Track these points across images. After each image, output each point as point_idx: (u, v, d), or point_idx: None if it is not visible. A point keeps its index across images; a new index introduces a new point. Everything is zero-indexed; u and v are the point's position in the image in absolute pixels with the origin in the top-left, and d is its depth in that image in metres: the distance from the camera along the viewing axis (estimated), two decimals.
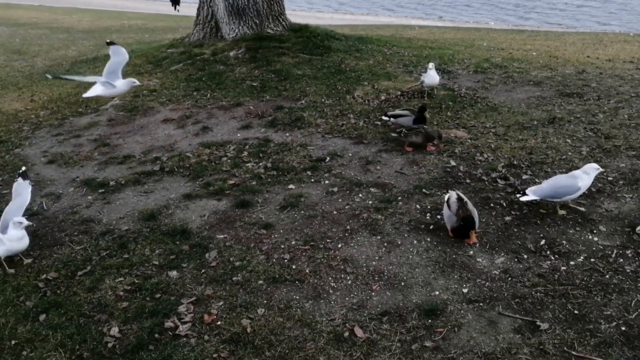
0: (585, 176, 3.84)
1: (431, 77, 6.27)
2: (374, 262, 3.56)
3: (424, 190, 4.39)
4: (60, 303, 3.28)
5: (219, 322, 3.09)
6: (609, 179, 4.40)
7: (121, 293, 3.36)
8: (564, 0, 19.29)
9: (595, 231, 3.76)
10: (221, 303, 3.25)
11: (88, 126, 6.30)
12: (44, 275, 3.55)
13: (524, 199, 3.92)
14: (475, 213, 3.69)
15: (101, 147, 5.66)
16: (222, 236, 3.93)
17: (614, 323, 2.95)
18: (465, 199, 3.77)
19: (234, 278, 3.46)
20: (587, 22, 15.97)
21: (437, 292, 3.27)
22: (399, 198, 4.28)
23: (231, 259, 3.66)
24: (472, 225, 3.62)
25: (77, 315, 3.19)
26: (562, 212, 3.97)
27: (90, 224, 4.18)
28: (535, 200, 3.92)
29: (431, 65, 6.29)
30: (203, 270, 3.56)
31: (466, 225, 3.62)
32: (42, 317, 3.19)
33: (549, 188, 3.88)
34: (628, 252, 3.52)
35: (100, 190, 4.70)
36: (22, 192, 3.97)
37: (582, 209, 3.99)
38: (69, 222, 4.24)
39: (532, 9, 18.62)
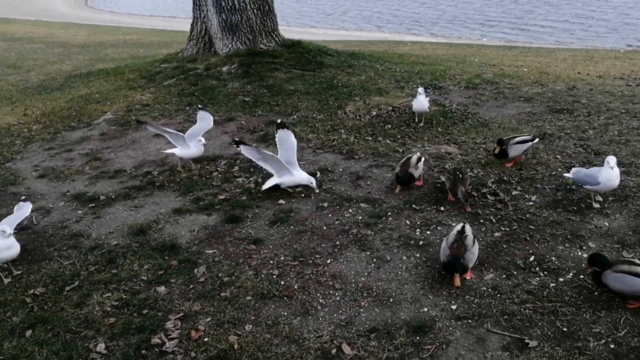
0: (603, 170, 4.08)
1: (420, 102, 5.91)
2: (362, 278, 3.56)
3: (413, 205, 4.40)
4: (47, 319, 3.25)
5: (206, 339, 3.06)
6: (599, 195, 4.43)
7: (108, 309, 3.33)
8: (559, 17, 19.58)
9: (584, 247, 3.77)
10: (209, 319, 3.22)
11: (80, 140, 6.30)
12: (32, 291, 3.52)
13: (565, 175, 4.45)
14: (473, 251, 3.46)
15: (93, 162, 5.65)
16: (211, 251, 3.91)
17: (603, 341, 2.95)
18: (468, 233, 3.52)
19: (222, 294, 3.44)
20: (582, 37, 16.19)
21: (425, 309, 3.26)
22: (389, 213, 4.29)
23: (220, 275, 3.64)
24: (455, 268, 3.37)
25: (64, 331, 3.16)
26: (596, 204, 4.27)
27: (79, 239, 4.16)
28: (571, 180, 4.41)
29: (420, 90, 5.94)
30: (191, 286, 3.54)
31: (451, 265, 3.38)
32: (29, 332, 3.15)
33: (581, 174, 4.22)
34: None
35: (90, 205, 4.69)
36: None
37: (596, 205, 4.27)
38: (58, 236, 4.21)
39: (528, 24, 18.87)
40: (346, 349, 2.96)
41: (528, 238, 3.90)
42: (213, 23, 8.84)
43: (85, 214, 4.55)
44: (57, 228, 4.34)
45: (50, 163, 5.69)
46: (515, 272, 3.54)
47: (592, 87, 7.56)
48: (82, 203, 4.73)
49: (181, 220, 4.37)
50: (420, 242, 3.91)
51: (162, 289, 3.51)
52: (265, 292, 3.45)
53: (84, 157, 5.79)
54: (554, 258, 3.67)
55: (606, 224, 4.03)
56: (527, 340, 2.97)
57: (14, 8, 27.55)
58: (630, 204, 4.25)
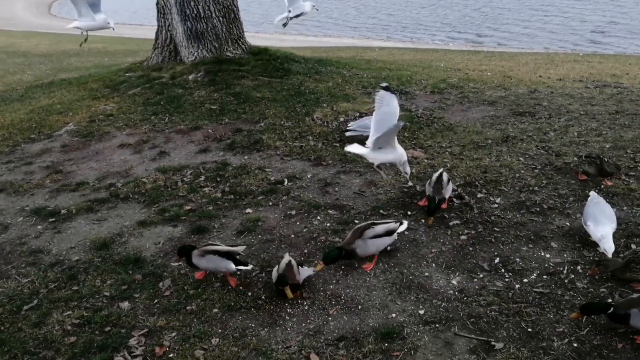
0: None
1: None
2: (331, 286, 3.54)
3: (381, 211, 4.41)
4: (3, 340, 3.13)
5: (171, 355, 3.00)
6: (560, 194, 4.53)
7: (69, 327, 3.22)
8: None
9: (547, 248, 3.85)
10: (174, 334, 3.15)
11: (41, 153, 6.11)
12: None
13: None
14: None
15: (53, 174, 5.48)
16: (177, 264, 3.84)
17: (566, 340, 3.01)
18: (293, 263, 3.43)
19: (188, 307, 3.38)
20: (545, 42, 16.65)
21: (393, 315, 3.26)
22: (357, 220, 4.29)
23: (185, 287, 3.57)
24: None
25: (22, 352, 3.05)
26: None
27: (39, 255, 4.02)
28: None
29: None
30: (156, 300, 3.46)
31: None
32: None
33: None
34: (578, 267, 3.61)
35: (50, 220, 4.54)
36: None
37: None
38: (17, 253, 4.07)
39: (491, 29, 19.32)
40: (314, 358, 2.93)
41: (493, 240, 3.96)
42: (178, 31, 8.73)
43: (45, 229, 4.41)
44: (15, 245, 4.19)
45: (9, 177, 5.50)
46: (481, 275, 3.59)
47: (553, 90, 7.76)
48: (42, 218, 4.58)
49: (146, 233, 4.27)
50: (388, 247, 3.92)
51: (125, 304, 3.41)
52: (233, 303, 3.40)
53: (45, 170, 5.62)
54: (518, 259, 3.73)
55: (567, 224, 4.12)
56: (493, 343, 3.00)
57: None
58: None
